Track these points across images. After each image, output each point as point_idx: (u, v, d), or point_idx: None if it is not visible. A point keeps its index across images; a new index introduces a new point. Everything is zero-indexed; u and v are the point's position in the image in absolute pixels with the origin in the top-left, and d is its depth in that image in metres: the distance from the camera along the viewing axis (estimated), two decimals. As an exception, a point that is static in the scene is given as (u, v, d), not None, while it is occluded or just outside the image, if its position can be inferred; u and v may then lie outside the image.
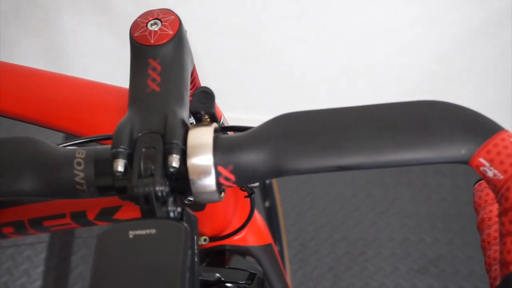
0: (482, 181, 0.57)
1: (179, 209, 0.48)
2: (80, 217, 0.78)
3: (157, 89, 0.49)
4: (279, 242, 1.20)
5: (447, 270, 1.50)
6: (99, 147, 0.48)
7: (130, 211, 0.76)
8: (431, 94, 1.61)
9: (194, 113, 0.48)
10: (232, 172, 0.45)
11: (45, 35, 1.54)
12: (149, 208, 0.45)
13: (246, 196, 0.62)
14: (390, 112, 0.45)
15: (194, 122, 0.51)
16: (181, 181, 0.46)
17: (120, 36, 1.52)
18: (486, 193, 0.55)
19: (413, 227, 1.56)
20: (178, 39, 0.52)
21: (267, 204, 1.17)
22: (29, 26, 1.53)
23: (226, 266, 0.69)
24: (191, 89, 0.53)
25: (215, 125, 0.47)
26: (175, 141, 0.46)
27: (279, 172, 0.45)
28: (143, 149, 0.46)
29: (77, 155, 0.47)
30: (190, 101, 0.50)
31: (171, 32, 0.51)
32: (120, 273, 0.42)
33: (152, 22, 0.52)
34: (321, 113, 0.46)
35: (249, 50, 1.54)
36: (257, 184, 0.68)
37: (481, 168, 0.43)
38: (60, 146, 0.49)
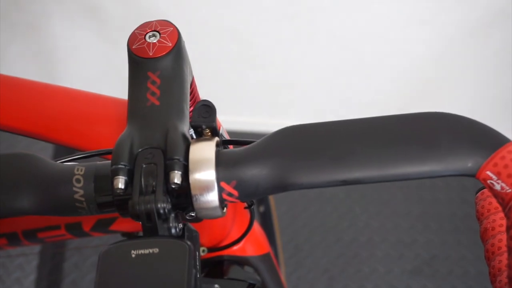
0: (484, 189, 0.56)
1: (180, 225, 0.47)
2: (75, 229, 0.77)
3: (157, 103, 0.48)
4: (273, 247, 1.19)
5: (441, 271, 1.50)
6: (99, 163, 0.47)
7: (126, 222, 0.75)
8: (424, 94, 1.61)
9: (195, 127, 0.47)
10: (235, 187, 0.44)
11: (34, 40, 1.53)
12: (151, 226, 0.44)
13: (246, 207, 0.61)
14: (395, 125, 0.45)
15: (194, 135, 0.50)
16: (182, 197, 0.45)
17: (110, 41, 1.50)
18: (488, 202, 0.55)
19: (407, 228, 1.56)
20: (177, 51, 0.51)
21: (261, 209, 1.16)
22: (18, 31, 1.51)
23: (225, 277, 0.68)
24: (190, 101, 0.52)
25: (216, 139, 0.46)
26: (176, 156, 0.45)
27: (283, 187, 0.45)
28: (144, 165, 0.45)
29: (76, 171, 0.46)
30: (190, 115, 0.49)
31: (170, 44, 0.50)
32: (123, 294, 0.41)
33: (150, 34, 0.51)
34: (325, 126, 0.46)
35: (241, 53, 1.53)
36: None
37: (488, 181, 0.42)
38: (58, 162, 0.48)
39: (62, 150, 1.53)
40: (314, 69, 1.57)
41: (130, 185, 0.45)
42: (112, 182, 0.44)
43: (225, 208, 0.46)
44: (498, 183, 0.42)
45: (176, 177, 0.44)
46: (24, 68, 1.58)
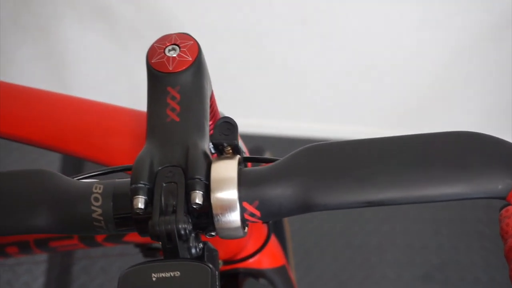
0: (509, 207, 0.55)
1: (200, 245, 0.46)
2: (88, 238, 0.76)
3: (177, 119, 0.47)
4: (285, 252, 1.18)
5: (451, 277, 1.49)
6: (117, 181, 0.46)
7: (140, 233, 0.74)
8: (436, 99, 1.59)
9: (216, 144, 0.46)
10: (258, 208, 0.43)
11: (44, 42, 1.52)
12: (171, 247, 0.43)
13: (263, 222, 0.60)
14: (421, 144, 0.44)
15: (212, 150, 0.49)
16: (203, 217, 0.44)
17: (120, 43, 1.49)
18: (514, 220, 0.53)
19: (417, 233, 1.55)
20: (198, 65, 0.49)
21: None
22: (28, 33, 1.50)
23: (240, 290, 0.67)
24: (209, 115, 0.51)
25: (238, 157, 0.45)
26: (197, 175, 0.44)
27: (307, 208, 0.44)
28: (164, 184, 0.44)
29: (94, 189, 0.45)
30: (211, 131, 0.48)
31: (190, 59, 0.49)
32: (143, 318, 0.40)
33: (170, 47, 0.50)
34: (350, 144, 0.44)
35: (252, 55, 1.52)
36: None
37: (519, 203, 0.41)
38: (75, 178, 0.47)
39: (70, 161, 1.53)
40: (325, 72, 1.56)
41: (149, 204, 0.44)
42: (131, 202, 0.43)
43: (246, 228, 0.45)
44: (529, 206, 0.41)
45: (198, 197, 0.43)
46: (34, 70, 1.57)
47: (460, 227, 1.56)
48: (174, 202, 0.43)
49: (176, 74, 0.48)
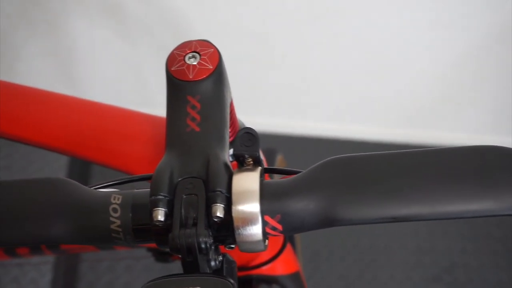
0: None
1: (220, 258, 0.45)
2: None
3: (197, 129, 0.46)
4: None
5: (460, 279, 1.48)
6: (136, 191, 0.45)
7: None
8: (448, 99, 1.58)
9: (237, 156, 0.45)
10: (280, 221, 0.43)
11: (53, 38, 1.51)
12: (191, 261, 0.42)
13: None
14: (447, 159, 0.43)
15: (231, 158, 0.48)
16: (224, 230, 0.43)
17: (129, 39, 1.48)
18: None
19: (425, 235, 1.54)
20: (218, 74, 0.48)
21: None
22: (37, 28, 1.49)
23: (252, 297, 0.67)
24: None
25: (260, 169, 0.44)
26: (218, 188, 0.43)
27: (330, 223, 0.43)
28: (184, 196, 0.43)
29: (112, 200, 0.44)
30: (231, 141, 0.47)
31: (211, 67, 0.48)
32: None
33: (190, 55, 0.49)
34: (374, 158, 0.44)
35: (261, 54, 1.51)
36: None
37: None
38: (93, 188, 0.46)
39: (77, 165, 1.52)
40: (335, 71, 1.55)
41: (169, 216, 0.43)
42: (151, 213, 0.43)
43: (266, 241, 0.45)
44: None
45: (219, 211, 0.42)
46: (42, 66, 1.56)
47: (469, 230, 1.55)
48: (194, 215, 0.42)
49: (196, 82, 0.47)
